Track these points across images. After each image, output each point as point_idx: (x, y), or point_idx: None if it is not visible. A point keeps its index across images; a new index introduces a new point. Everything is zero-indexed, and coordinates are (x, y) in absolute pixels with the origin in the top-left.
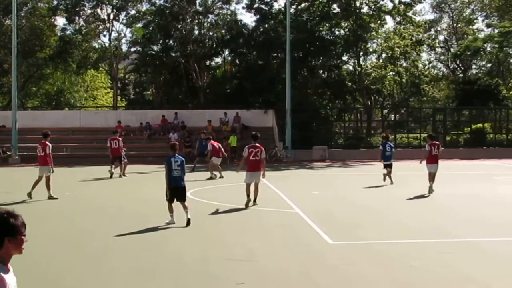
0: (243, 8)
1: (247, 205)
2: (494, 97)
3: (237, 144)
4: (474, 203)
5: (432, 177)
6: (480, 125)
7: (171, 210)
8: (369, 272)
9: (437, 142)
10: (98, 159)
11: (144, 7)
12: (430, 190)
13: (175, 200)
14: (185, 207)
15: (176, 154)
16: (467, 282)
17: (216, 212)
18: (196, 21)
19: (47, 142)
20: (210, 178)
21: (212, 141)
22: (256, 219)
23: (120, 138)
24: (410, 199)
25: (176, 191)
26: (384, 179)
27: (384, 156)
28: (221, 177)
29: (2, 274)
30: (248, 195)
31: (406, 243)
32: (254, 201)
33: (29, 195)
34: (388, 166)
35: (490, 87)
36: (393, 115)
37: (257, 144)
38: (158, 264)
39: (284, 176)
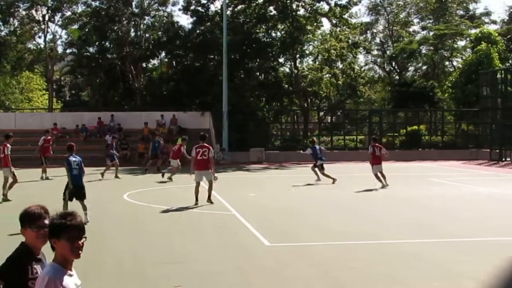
0: (180, 10)
1: (196, 204)
2: (429, 99)
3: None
4: (406, 205)
5: (377, 176)
6: (415, 127)
7: (66, 209)
8: (306, 274)
9: (379, 145)
10: (33, 161)
11: (80, 8)
12: (384, 185)
13: (74, 199)
14: (84, 207)
15: (74, 154)
16: (393, 282)
17: (152, 214)
18: (132, 22)
19: (7, 144)
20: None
21: (176, 146)
22: (193, 221)
23: (44, 137)
24: (348, 201)
25: (75, 189)
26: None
27: (318, 158)
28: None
29: (56, 276)
30: (196, 196)
31: (341, 245)
32: (209, 198)
33: (4, 198)
34: (321, 166)
35: (425, 89)
36: (329, 117)
37: (205, 144)
38: (93, 266)
39: (221, 178)
